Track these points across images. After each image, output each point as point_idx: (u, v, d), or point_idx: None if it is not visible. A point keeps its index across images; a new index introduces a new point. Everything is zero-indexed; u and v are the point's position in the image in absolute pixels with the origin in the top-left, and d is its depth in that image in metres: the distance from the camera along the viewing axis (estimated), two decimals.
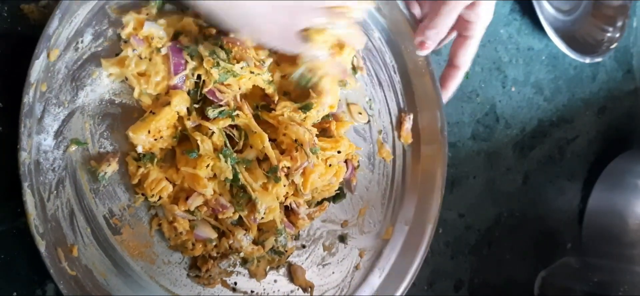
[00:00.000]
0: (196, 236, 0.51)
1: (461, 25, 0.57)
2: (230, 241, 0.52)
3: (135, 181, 0.49)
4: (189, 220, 0.51)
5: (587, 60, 0.83)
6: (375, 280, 0.61)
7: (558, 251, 0.88)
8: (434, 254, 0.73)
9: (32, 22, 0.47)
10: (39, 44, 0.43)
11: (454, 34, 0.59)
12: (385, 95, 0.62)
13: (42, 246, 0.43)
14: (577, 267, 0.85)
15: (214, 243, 0.52)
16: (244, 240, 0.52)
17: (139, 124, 0.48)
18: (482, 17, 0.55)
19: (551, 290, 0.80)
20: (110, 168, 0.48)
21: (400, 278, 0.60)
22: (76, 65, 0.47)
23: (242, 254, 0.54)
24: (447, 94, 0.61)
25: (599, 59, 0.85)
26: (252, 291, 0.55)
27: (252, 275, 0.55)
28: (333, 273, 0.60)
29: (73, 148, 0.47)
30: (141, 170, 0.49)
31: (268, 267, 0.56)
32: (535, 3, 0.76)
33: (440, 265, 0.73)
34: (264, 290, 0.56)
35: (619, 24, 0.89)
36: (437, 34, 0.55)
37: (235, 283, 0.54)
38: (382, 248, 0.61)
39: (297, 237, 0.57)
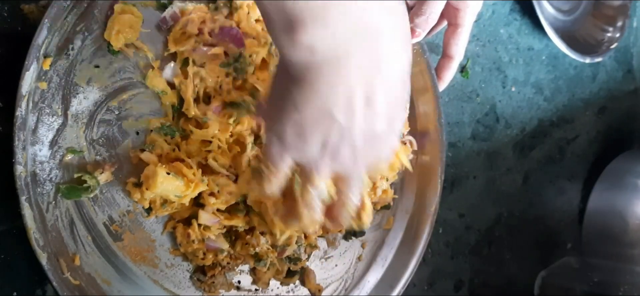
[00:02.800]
0: (207, 246, 0.51)
1: (451, 13, 0.57)
2: (247, 238, 0.52)
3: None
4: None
5: (587, 60, 0.83)
6: (378, 269, 0.61)
7: (558, 251, 0.88)
8: (434, 254, 0.73)
9: (32, 22, 0.47)
10: (29, 54, 0.43)
11: (444, 23, 0.59)
12: None
13: (43, 258, 0.43)
14: (577, 267, 0.85)
15: (224, 253, 0.52)
16: (261, 239, 0.52)
17: (133, 189, 0.49)
18: (471, 5, 0.55)
19: (551, 290, 0.79)
20: (103, 177, 0.48)
21: (403, 268, 0.60)
22: (68, 73, 0.46)
23: (250, 265, 0.54)
24: (442, 85, 0.61)
25: (599, 59, 0.85)
26: (255, 290, 0.55)
27: (256, 279, 0.55)
28: (336, 265, 0.60)
29: (69, 157, 0.47)
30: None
31: (272, 278, 0.56)
32: (535, 3, 0.76)
33: (440, 265, 0.73)
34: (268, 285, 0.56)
35: (619, 24, 0.89)
36: (426, 21, 0.55)
37: (239, 282, 0.54)
38: (384, 238, 0.62)
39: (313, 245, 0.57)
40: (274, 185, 0.41)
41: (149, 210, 0.50)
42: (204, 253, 0.51)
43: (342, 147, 0.38)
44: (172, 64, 0.51)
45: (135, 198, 0.49)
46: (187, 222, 0.51)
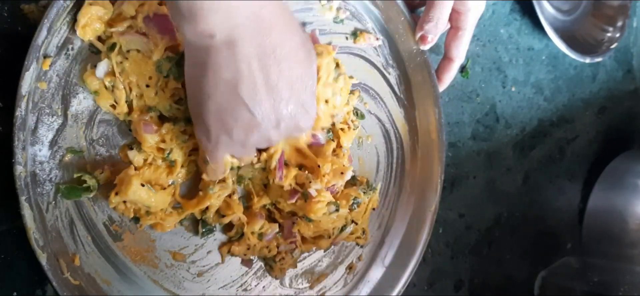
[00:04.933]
0: (267, 240, 0.53)
1: (453, 16, 0.57)
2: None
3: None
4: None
5: (587, 60, 0.83)
6: (378, 269, 0.61)
7: (558, 251, 0.88)
8: (434, 254, 0.73)
9: (32, 22, 0.47)
10: (28, 54, 0.43)
11: (448, 25, 0.59)
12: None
13: (43, 258, 0.43)
14: (577, 267, 0.85)
15: (279, 233, 0.55)
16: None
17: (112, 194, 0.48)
18: (472, 9, 0.55)
19: (551, 290, 0.79)
20: (103, 177, 0.48)
21: (403, 267, 0.60)
22: (68, 73, 0.46)
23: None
24: (442, 86, 0.61)
25: (599, 59, 0.85)
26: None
27: (273, 271, 0.56)
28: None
29: (69, 157, 0.47)
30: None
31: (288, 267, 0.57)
32: (535, 3, 0.76)
33: (440, 265, 0.73)
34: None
35: (619, 24, 0.89)
36: (435, 26, 0.56)
37: (245, 289, 0.55)
38: (384, 238, 0.62)
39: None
40: (219, 175, 0.49)
41: (136, 220, 0.49)
42: (268, 247, 0.54)
43: (256, 131, 0.44)
44: (105, 61, 0.47)
45: (112, 204, 0.48)
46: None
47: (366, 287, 0.61)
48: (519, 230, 0.82)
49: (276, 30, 0.41)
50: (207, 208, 0.51)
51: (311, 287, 0.59)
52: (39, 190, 0.45)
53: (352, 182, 0.58)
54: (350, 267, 0.60)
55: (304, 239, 0.56)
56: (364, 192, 0.57)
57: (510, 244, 0.81)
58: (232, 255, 0.54)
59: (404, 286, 0.60)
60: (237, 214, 0.52)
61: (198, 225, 0.52)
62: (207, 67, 0.41)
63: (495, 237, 0.79)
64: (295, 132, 0.48)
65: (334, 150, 0.55)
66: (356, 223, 0.57)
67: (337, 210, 0.54)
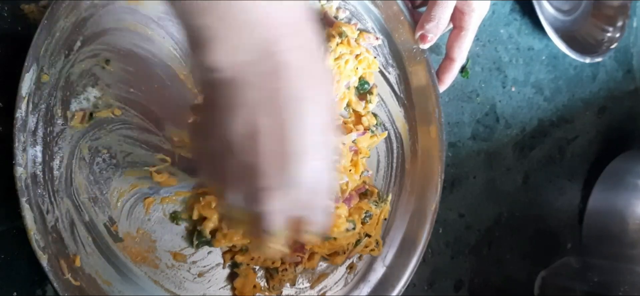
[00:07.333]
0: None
1: (456, 17, 0.57)
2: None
3: None
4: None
5: (587, 60, 0.83)
6: (378, 269, 0.61)
7: (558, 251, 0.88)
8: (434, 254, 0.73)
9: (32, 22, 0.47)
10: (28, 56, 0.42)
11: (449, 26, 0.59)
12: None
13: (44, 260, 0.43)
14: (577, 267, 0.85)
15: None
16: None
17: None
18: (476, 9, 0.55)
19: (551, 290, 0.79)
20: None
21: (403, 268, 0.60)
22: (68, 74, 0.46)
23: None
24: (442, 87, 0.61)
25: (599, 59, 0.85)
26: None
27: (272, 281, 0.56)
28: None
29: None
30: None
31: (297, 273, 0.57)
32: (535, 3, 0.76)
33: (440, 265, 0.73)
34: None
35: (619, 24, 0.89)
36: (436, 26, 0.55)
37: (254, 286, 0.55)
38: (384, 238, 0.62)
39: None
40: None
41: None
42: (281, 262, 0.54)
43: (255, 186, 0.35)
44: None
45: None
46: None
47: (366, 287, 0.61)
48: (519, 230, 0.82)
49: (292, 78, 0.34)
50: (205, 218, 0.51)
51: (312, 287, 0.59)
52: (39, 191, 0.45)
53: (364, 194, 0.58)
54: (350, 267, 0.60)
55: (310, 256, 0.56)
56: (376, 204, 0.57)
57: (510, 244, 0.81)
58: (235, 262, 0.54)
59: (404, 286, 0.60)
60: (234, 241, 0.53)
61: (193, 236, 0.52)
62: (210, 104, 0.35)
63: (495, 237, 0.79)
64: (310, 212, 0.38)
65: (352, 160, 0.56)
66: (369, 236, 0.57)
67: (354, 229, 0.54)
